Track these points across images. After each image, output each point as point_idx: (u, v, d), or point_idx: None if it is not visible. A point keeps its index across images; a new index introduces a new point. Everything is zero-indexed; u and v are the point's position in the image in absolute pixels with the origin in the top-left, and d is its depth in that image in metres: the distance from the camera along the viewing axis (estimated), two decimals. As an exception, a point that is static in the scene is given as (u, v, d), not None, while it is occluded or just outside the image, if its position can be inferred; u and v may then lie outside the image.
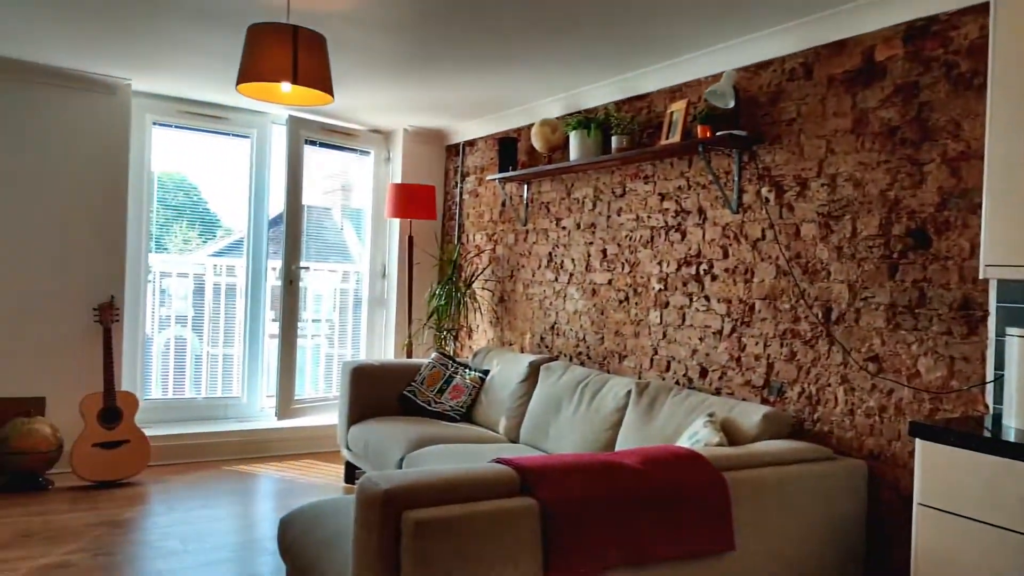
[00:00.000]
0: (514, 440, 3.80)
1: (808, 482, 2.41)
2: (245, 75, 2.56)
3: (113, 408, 4.15)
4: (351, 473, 4.34)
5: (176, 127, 4.81)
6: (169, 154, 4.83)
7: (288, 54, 2.54)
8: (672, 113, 3.35)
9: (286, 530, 2.46)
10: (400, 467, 3.47)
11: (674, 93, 3.54)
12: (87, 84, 4.28)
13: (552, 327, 4.31)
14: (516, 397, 3.88)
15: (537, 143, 4.12)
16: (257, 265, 5.10)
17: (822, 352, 2.83)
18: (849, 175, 2.76)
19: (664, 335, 3.53)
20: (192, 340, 4.98)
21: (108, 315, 4.28)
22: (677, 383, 3.44)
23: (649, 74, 3.60)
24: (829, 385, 2.80)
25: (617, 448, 3.17)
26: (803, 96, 2.93)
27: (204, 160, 4.97)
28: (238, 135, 5.02)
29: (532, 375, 3.90)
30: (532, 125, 4.42)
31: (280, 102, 2.80)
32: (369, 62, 3.69)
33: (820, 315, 2.84)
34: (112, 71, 4.19)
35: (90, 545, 3.23)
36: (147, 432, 4.32)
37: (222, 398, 5.05)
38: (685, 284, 3.43)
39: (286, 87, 2.73)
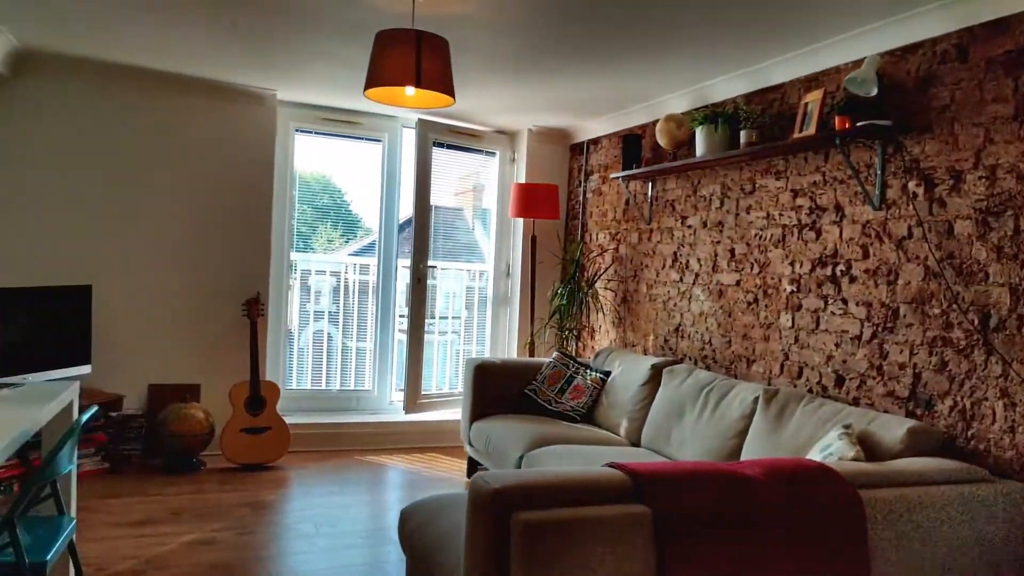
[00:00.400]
0: (635, 443, 3.73)
1: (958, 505, 2.19)
2: (372, 80, 2.66)
3: (258, 397, 4.45)
4: (473, 469, 4.42)
5: (316, 133, 5.09)
6: (310, 158, 5.12)
7: (411, 58, 2.61)
8: (807, 104, 3.16)
9: (406, 521, 2.54)
10: (519, 466, 3.49)
11: (809, 83, 3.33)
12: (238, 95, 4.61)
13: (676, 329, 4.19)
14: (638, 400, 3.80)
15: (662, 139, 4.02)
16: (388, 264, 5.31)
17: (978, 362, 2.56)
18: (1011, 166, 2.48)
19: (796, 339, 3.33)
20: (333, 334, 5.25)
21: (255, 310, 4.59)
22: (810, 391, 3.24)
23: (781, 63, 3.41)
24: (986, 399, 2.53)
25: (742, 458, 3.03)
26: (957, 81, 2.67)
27: (342, 163, 5.22)
28: (371, 139, 5.24)
29: (655, 378, 3.81)
30: (657, 121, 4.31)
31: (405, 105, 2.88)
32: (492, 64, 3.74)
33: (977, 322, 2.57)
34: (260, 83, 4.49)
35: (234, 524, 3.48)
36: (287, 420, 4.60)
37: (354, 390, 5.29)
38: (820, 286, 3.22)
39: (410, 90, 2.81)
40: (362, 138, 5.23)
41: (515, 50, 3.50)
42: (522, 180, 5.39)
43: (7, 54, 3.91)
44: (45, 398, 2.44)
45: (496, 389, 4.25)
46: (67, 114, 4.28)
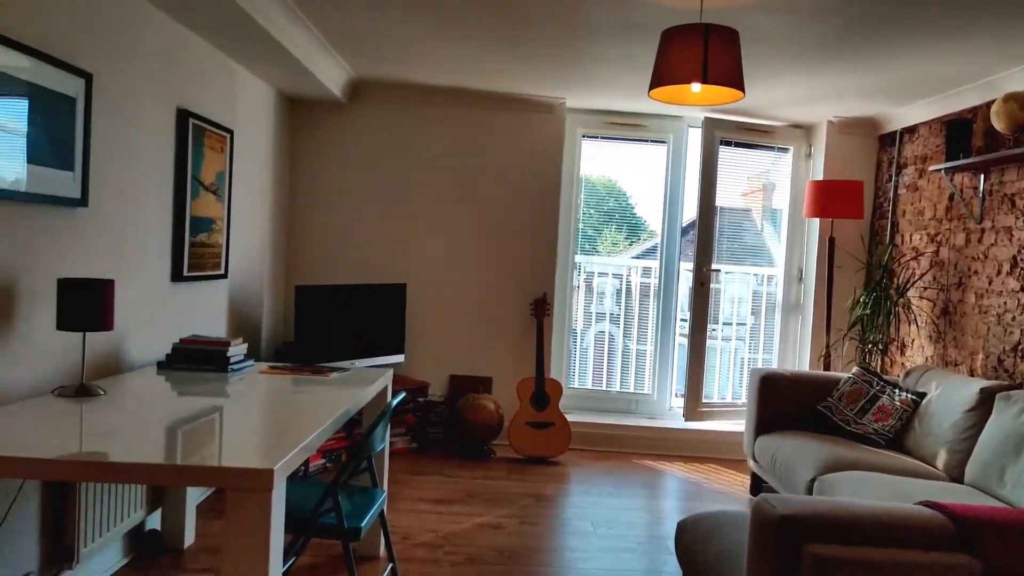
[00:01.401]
0: (956, 479, 3.20)
1: None
2: (657, 80, 2.61)
3: (542, 393, 4.65)
4: (757, 485, 4.16)
5: (601, 138, 5.18)
6: (596, 163, 5.22)
7: (698, 54, 2.51)
8: None
9: (683, 534, 2.45)
10: (810, 490, 3.19)
11: None
12: (530, 106, 4.87)
13: (1015, 348, 3.52)
14: (961, 429, 3.26)
15: (999, 123, 3.40)
16: (670, 267, 5.22)
17: None
18: None
19: None
20: (615, 335, 5.32)
21: (541, 310, 4.81)
22: None
23: None
24: None
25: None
26: None
27: (627, 167, 5.26)
28: (655, 141, 5.20)
29: (984, 404, 3.23)
30: (991, 103, 3.66)
31: (690, 103, 2.79)
32: (787, 52, 3.47)
33: None
34: (550, 92, 4.69)
35: (518, 512, 3.67)
36: (569, 417, 4.75)
37: (633, 393, 5.29)
38: None
39: (696, 87, 2.71)
40: (647, 140, 5.20)
41: (817, 35, 3.20)
42: (819, 177, 4.94)
43: (345, 83, 4.56)
44: (365, 382, 2.78)
45: (784, 403, 3.95)
46: (386, 133, 4.88)
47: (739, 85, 2.58)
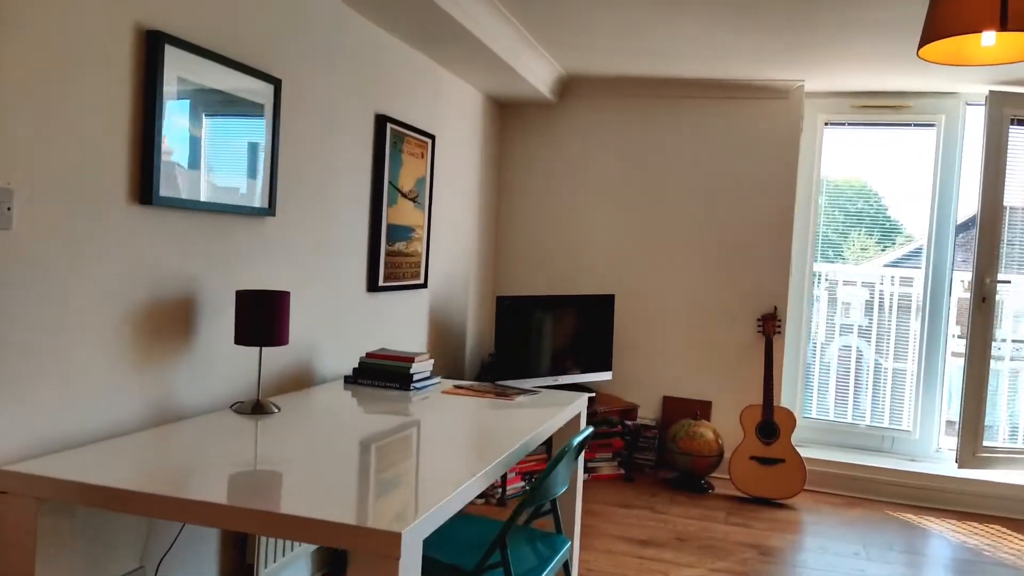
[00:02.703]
0: None
1: None
2: (930, 33, 1.97)
3: (771, 423, 4.01)
4: (1066, 565, 3.18)
5: (849, 125, 4.39)
6: (842, 155, 4.44)
7: (994, -6, 1.84)
8: None
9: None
10: None
11: None
12: (758, 92, 4.24)
13: None
14: None
15: None
16: (938, 276, 4.28)
17: None
18: None
19: None
20: (863, 354, 4.48)
21: (771, 326, 4.17)
22: None
23: None
24: None
25: None
26: None
27: (880, 159, 4.41)
28: (921, 124, 4.29)
29: None
30: None
31: (978, 63, 2.10)
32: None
33: None
34: (784, 74, 4.04)
35: (736, 567, 3.11)
36: (803, 453, 4.05)
37: (888, 428, 4.40)
38: None
39: (988, 38, 2.02)
40: (909, 124, 4.32)
41: None
42: None
43: (554, 80, 4.29)
44: (554, 408, 2.45)
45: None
46: (596, 132, 4.52)
47: (1056, 31, 1.86)
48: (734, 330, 4.36)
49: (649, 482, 4.22)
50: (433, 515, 1.41)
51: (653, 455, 4.35)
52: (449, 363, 4.06)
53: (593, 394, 4.24)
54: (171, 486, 1.46)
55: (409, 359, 2.66)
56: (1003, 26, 1.84)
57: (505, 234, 4.69)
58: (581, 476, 2.75)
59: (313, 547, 2.68)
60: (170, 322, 2.05)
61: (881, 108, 4.30)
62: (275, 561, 2.44)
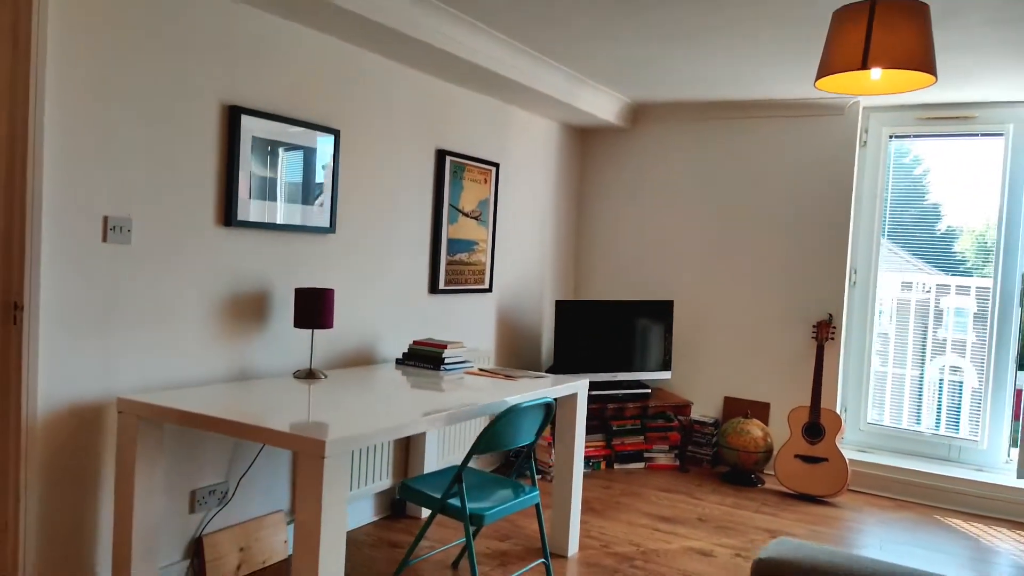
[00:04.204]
0: None
1: None
2: (820, 71, 2.32)
3: (816, 424, 4.20)
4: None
5: (914, 136, 4.47)
6: (906, 166, 4.52)
7: (860, 36, 2.17)
8: None
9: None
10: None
11: None
12: (815, 109, 4.46)
13: None
14: None
15: None
16: (1007, 285, 4.23)
17: None
18: None
19: None
20: (929, 367, 4.49)
21: (824, 333, 4.36)
22: None
23: None
24: None
25: None
26: None
27: (945, 169, 4.43)
28: (988, 134, 4.28)
29: None
30: None
31: (869, 93, 2.40)
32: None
33: None
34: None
35: (742, 545, 3.43)
36: (860, 457, 4.21)
37: (954, 437, 4.38)
38: None
39: (876, 73, 2.32)
40: (976, 134, 4.32)
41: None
42: None
43: (621, 110, 4.79)
44: (542, 386, 2.98)
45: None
46: (662, 153, 4.94)
47: (924, 67, 2.15)
48: (791, 336, 4.58)
49: (703, 474, 4.54)
50: (357, 437, 2.06)
51: (710, 450, 4.67)
52: (523, 356, 4.67)
53: (648, 390, 4.66)
54: (239, 415, 2.22)
55: (443, 346, 3.32)
56: (864, 66, 2.17)
57: (584, 245, 5.22)
58: (580, 446, 3.24)
59: (376, 489, 3.41)
60: (247, 309, 2.87)
61: (946, 119, 4.34)
62: (332, 496, 3.18)
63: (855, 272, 4.57)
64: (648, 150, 5.00)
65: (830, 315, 4.45)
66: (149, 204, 2.50)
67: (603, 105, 4.55)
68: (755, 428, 4.38)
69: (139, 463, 2.37)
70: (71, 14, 2.23)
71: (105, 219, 2.37)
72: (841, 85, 2.41)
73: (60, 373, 2.30)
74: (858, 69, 2.17)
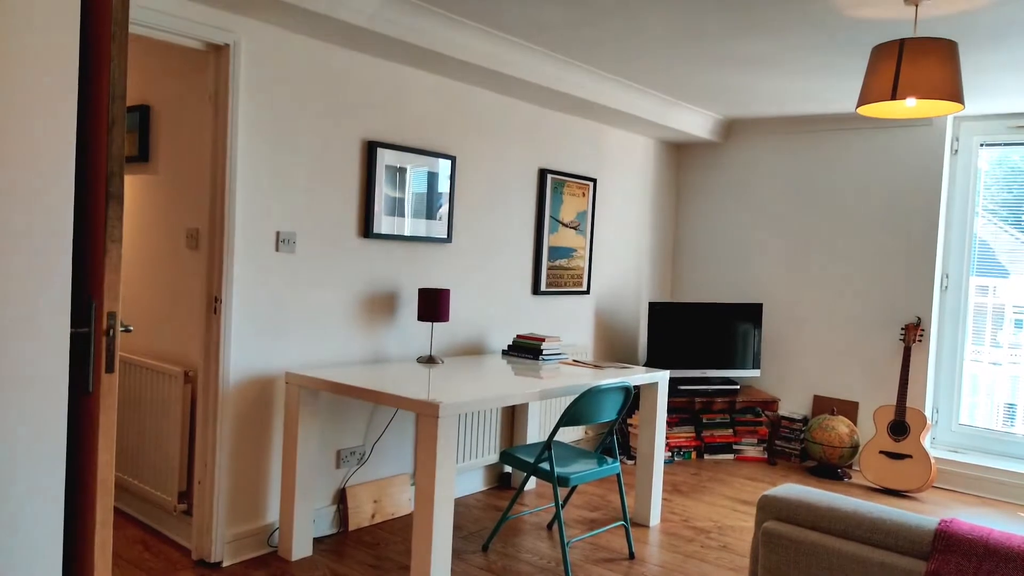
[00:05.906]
0: None
1: None
2: (860, 100, 2.67)
3: (901, 422, 4.40)
4: None
5: (1004, 144, 4.56)
6: (999, 172, 4.61)
7: (891, 70, 2.52)
8: None
9: None
10: None
11: None
12: (900, 121, 4.65)
13: None
14: None
15: None
16: (1104, 291, 4.25)
17: None
18: None
19: None
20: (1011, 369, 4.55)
21: (912, 335, 4.54)
22: None
23: None
24: None
25: None
26: None
27: (1041, 174, 4.49)
28: (1084, 140, 4.32)
29: None
30: None
31: (903, 116, 2.71)
32: None
33: None
34: (917, 104, 4.44)
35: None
36: (953, 458, 4.37)
37: (1051, 441, 4.43)
38: None
39: (910, 102, 2.64)
40: (1071, 140, 4.37)
41: None
42: None
43: (713, 126, 5.15)
44: (623, 375, 3.45)
45: None
46: (754, 165, 5.25)
47: (951, 96, 2.47)
48: (882, 338, 4.77)
49: (790, 467, 4.82)
50: (463, 403, 2.62)
51: (798, 445, 4.93)
52: (619, 353, 5.13)
53: (736, 387, 4.98)
54: (376, 386, 2.85)
55: (541, 340, 3.85)
56: (894, 96, 2.51)
57: (680, 251, 5.61)
58: (662, 429, 3.66)
59: (485, 463, 3.99)
60: (380, 305, 3.52)
61: (1038, 126, 4.42)
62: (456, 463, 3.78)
63: (947, 277, 4.70)
64: (741, 162, 5.32)
65: (918, 318, 4.62)
66: (309, 221, 3.19)
67: (695, 123, 4.94)
68: (840, 424, 4.61)
69: (301, 424, 3.04)
70: (253, 82, 2.95)
71: (277, 233, 3.07)
72: (880, 111, 2.74)
73: (245, 352, 3.01)
74: (889, 100, 2.52)
